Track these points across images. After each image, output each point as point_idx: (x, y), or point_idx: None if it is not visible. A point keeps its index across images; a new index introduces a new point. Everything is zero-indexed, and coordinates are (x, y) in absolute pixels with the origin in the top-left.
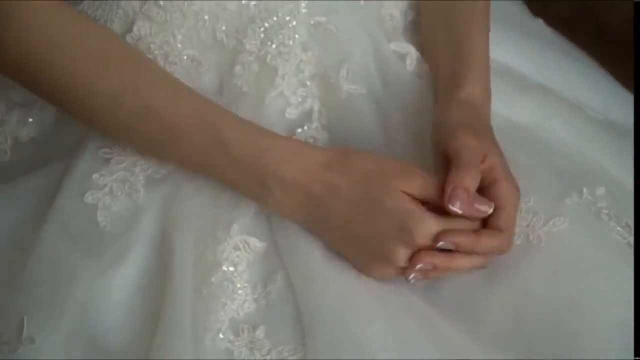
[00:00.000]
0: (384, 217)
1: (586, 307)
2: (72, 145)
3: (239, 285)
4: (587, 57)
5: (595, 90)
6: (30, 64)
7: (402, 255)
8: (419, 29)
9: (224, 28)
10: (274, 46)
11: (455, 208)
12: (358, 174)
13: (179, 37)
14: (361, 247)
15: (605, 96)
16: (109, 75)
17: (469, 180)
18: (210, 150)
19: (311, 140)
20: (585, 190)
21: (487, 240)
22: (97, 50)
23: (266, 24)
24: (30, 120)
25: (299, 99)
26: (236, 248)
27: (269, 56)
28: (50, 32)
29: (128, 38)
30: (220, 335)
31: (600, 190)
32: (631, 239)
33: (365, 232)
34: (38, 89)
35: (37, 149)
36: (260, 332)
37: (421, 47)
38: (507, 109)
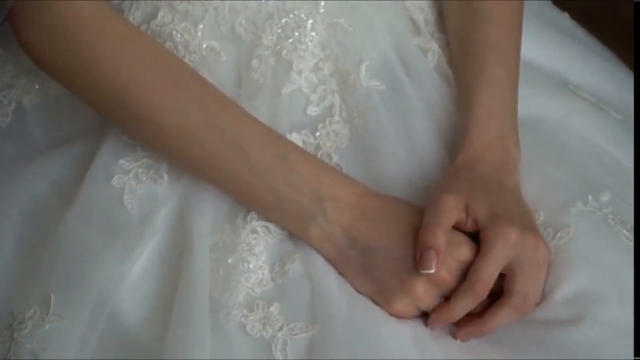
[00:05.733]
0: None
1: (591, 307)
2: (87, 123)
3: (252, 266)
4: (609, 52)
5: (617, 86)
6: (97, 75)
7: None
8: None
9: (243, 22)
10: (290, 41)
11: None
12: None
13: (200, 27)
14: (388, 278)
15: (627, 93)
16: (175, 88)
17: (432, 240)
18: (271, 166)
19: (333, 135)
20: (590, 197)
21: (457, 306)
22: (165, 64)
23: (283, 21)
24: (37, 87)
25: (319, 96)
26: (253, 232)
27: (285, 51)
28: (119, 46)
29: (152, 25)
30: (235, 311)
31: (605, 197)
32: None
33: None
34: (94, 96)
35: (42, 118)
36: (274, 309)
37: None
38: (528, 107)
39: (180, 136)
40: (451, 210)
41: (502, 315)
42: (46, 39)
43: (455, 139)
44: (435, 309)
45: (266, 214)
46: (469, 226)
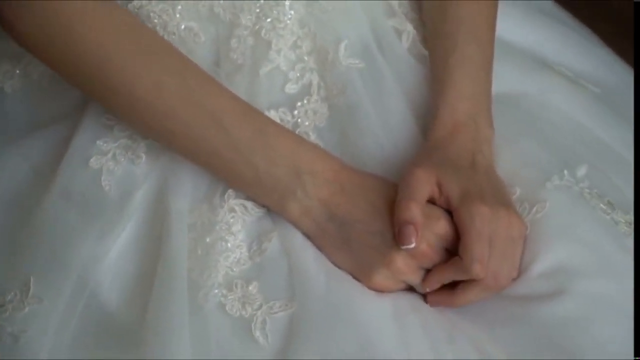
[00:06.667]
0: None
1: (567, 281)
2: (67, 106)
3: (230, 245)
4: (587, 29)
5: (594, 62)
6: (76, 53)
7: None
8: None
9: (221, 2)
10: (268, 20)
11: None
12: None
13: (178, 7)
14: (366, 252)
15: (603, 68)
16: (154, 62)
17: (408, 215)
18: (250, 142)
19: (312, 113)
20: (566, 172)
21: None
22: (144, 41)
23: (262, 0)
24: (18, 72)
25: (298, 74)
26: (231, 210)
27: (263, 30)
28: (102, 23)
29: (130, 6)
30: (215, 291)
31: (581, 171)
32: (614, 215)
33: (371, 234)
34: (75, 75)
35: (23, 102)
36: (253, 288)
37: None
38: (506, 83)
39: (158, 110)
40: (423, 183)
41: (472, 294)
42: (39, 31)
43: (428, 118)
44: (430, 279)
45: (246, 190)
46: (442, 202)
